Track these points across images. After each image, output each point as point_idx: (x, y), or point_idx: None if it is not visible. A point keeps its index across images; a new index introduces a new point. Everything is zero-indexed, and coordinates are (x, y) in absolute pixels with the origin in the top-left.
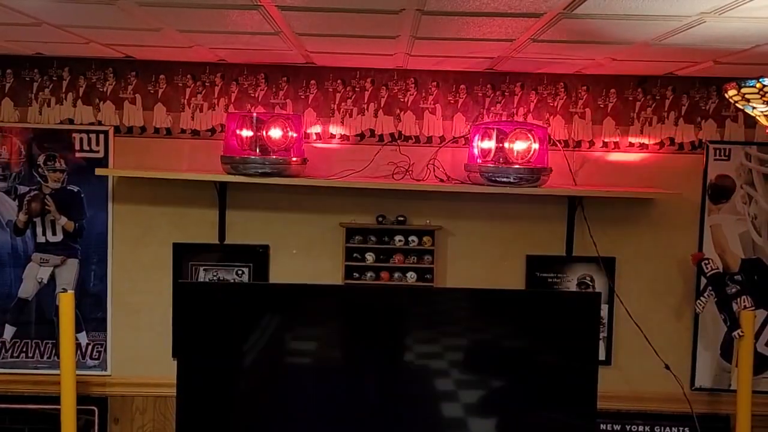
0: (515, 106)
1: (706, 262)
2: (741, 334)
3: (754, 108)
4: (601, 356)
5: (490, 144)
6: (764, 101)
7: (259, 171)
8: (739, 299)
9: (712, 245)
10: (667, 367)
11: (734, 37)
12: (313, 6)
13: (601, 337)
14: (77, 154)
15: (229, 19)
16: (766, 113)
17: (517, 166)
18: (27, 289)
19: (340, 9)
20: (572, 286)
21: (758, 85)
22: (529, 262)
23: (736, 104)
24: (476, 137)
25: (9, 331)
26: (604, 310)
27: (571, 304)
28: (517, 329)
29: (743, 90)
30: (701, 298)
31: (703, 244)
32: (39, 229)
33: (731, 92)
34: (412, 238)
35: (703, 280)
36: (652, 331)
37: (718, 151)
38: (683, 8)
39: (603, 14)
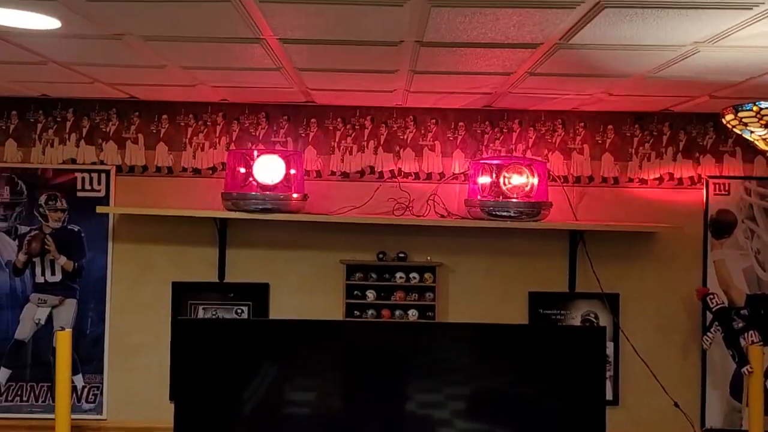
0: (514, 142)
1: (711, 297)
2: (750, 370)
3: (752, 132)
4: (608, 396)
5: (490, 179)
6: (761, 124)
7: (260, 207)
8: (746, 334)
9: (716, 280)
10: (676, 405)
11: (729, 68)
12: (314, 38)
13: (607, 376)
14: (79, 194)
15: (232, 54)
16: (764, 137)
17: (517, 201)
18: (24, 331)
19: (340, 41)
20: (576, 324)
21: (755, 109)
22: (532, 298)
23: (734, 129)
24: (476, 173)
25: (4, 373)
26: (610, 347)
27: (575, 339)
28: (522, 368)
29: (740, 114)
30: (708, 333)
31: (707, 279)
32: (38, 269)
33: (728, 117)
34: (413, 274)
35: (709, 316)
36: (659, 369)
37: (717, 186)
38: (677, 37)
39: (598, 44)
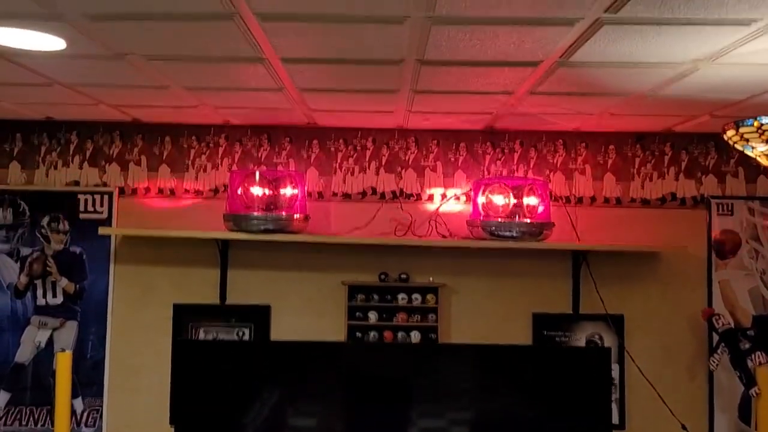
0: (515, 163)
1: (717, 317)
2: (758, 392)
3: (753, 148)
4: (615, 419)
5: (492, 199)
6: (763, 140)
7: (261, 227)
8: (753, 355)
9: (721, 301)
10: (684, 428)
11: (728, 86)
12: (316, 58)
13: (613, 399)
14: (81, 216)
15: (235, 74)
16: (765, 152)
17: (519, 221)
18: (24, 353)
19: (342, 60)
20: (581, 345)
21: (756, 124)
22: (536, 320)
23: (735, 145)
24: (478, 193)
25: (3, 397)
26: (615, 370)
27: (580, 360)
28: (526, 390)
29: (741, 130)
30: (714, 355)
31: (712, 300)
32: (39, 291)
33: (730, 132)
34: (415, 296)
35: (715, 337)
36: (666, 392)
37: (720, 206)
38: (676, 54)
39: (598, 62)
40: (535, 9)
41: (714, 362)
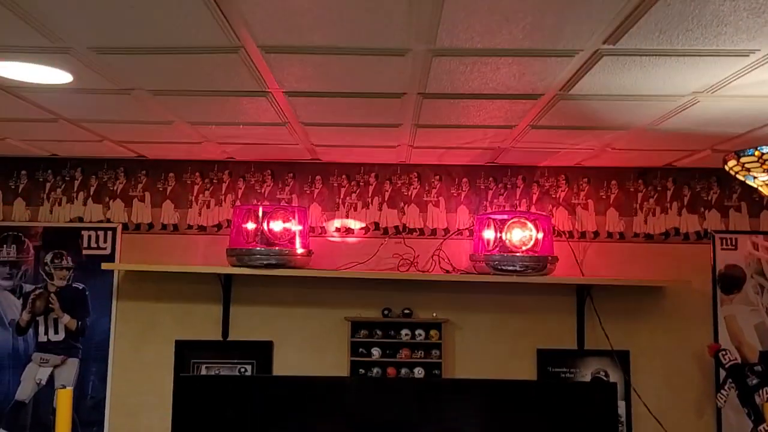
0: (518, 198)
1: (724, 353)
2: (766, 428)
3: (755, 178)
4: None
5: (494, 234)
6: (764, 169)
7: (264, 262)
8: (761, 391)
9: (727, 336)
10: None
11: (729, 119)
12: (319, 91)
13: None
14: (84, 252)
15: (239, 108)
16: (767, 182)
17: (522, 255)
18: (25, 391)
19: (345, 94)
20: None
21: (757, 153)
22: (540, 356)
23: (737, 175)
24: (480, 227)
25: None
26: (621, 407)
27: (586, 396)
28: (532, 427)
29: (742, 159)
30: (722, 391)
31: (718, 335)
32: (41, 328)
33: (731, 163)
34: (418, 331)
35: (722, 373)
36: (674, 429)
37: (724, 241)
38: (676, 86)
39: (598, 94)
40: (535, 39)
41: (722, 399)
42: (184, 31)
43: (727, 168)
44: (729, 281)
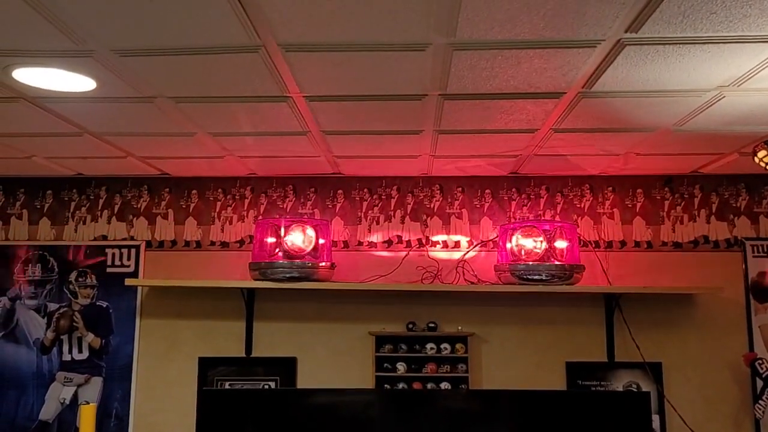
0: (541, 208)
1: (760, 362)
2: None
3: None
4: None
5: (519, 243)
6: None
7: (287, 276)
8: None
9: (762, 346)
10: None
11: (755, 116)
12: (339, 95)
13: None
14: (108, 270)
15: (260, 115)
16: None
17: (548, 264)
18: (48, 411)
19: (365, 97)
20: None
21: None
22: (570, 369)
23: (767, 167)
24: (505, 238)
25: None
26: (656, 420)
27: (619, 406)
28: None
29: None
30: (760, 401)
31: (753, 344)
32: (65, 347)
33: (761, 153)
34: (444, 345)
35: (759, 383)
36: None
37: (755, 248)
38: (700, 80)
39: (621, 90)
40: (556, 27)
41: (760, 409)
42: (204, 28)
43: (756, 159)
44: (762, 289)
